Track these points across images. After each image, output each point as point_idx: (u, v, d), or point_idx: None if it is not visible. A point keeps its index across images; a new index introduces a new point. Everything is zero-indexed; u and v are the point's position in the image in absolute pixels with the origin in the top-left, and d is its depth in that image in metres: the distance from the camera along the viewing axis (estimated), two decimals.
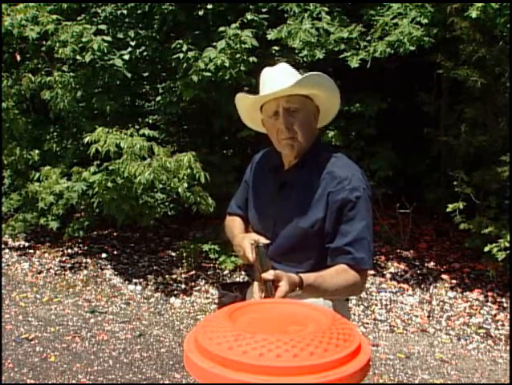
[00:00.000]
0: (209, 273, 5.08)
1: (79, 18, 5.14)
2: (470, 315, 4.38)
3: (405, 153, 5.41)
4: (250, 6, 4.96)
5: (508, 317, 4.30)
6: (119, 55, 5.00)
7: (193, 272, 5.12)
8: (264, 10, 5.02)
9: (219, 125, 5.16)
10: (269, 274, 1.52)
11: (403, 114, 5.55)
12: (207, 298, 4.78)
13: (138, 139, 4.47)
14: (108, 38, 4.81)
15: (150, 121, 5.55)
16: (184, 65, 4.66)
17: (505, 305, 4.43)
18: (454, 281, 4.76)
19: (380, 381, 3.61)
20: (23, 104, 5.73)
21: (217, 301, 4.65)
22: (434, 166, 5.52)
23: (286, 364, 1.02)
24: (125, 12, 5.33)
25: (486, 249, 4.22)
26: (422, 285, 4.76)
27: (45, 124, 5.73)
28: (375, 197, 5.09)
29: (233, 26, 4.57)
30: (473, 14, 3.88)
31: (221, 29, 4.62)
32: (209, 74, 4.53)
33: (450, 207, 4.45)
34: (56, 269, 5.33)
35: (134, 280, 5.07)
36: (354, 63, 4.34)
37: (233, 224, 2.03)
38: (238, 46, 4.48)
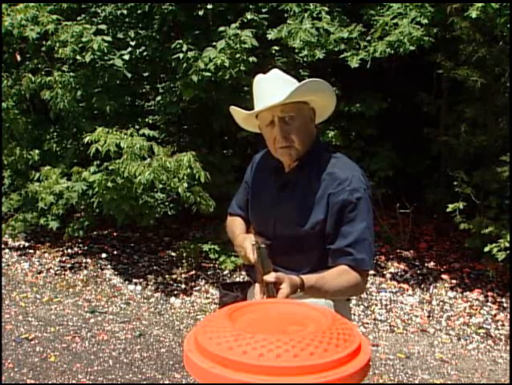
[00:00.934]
0: (209, 273, 5.08)
1: (79, 18, 5.14)
2: (470, 315, 4.38)
3: (405, 153, 5.41)
4: (250, 6, 4.96)
5: (508, 317, 4.30)
6: (119, 55, 5.00)
7: (193, 272, 5.12)
8: (264, 9, 5.02)
9: (219, 125, 5.16)
10: (270, 276, 1.52)
11: (403, 114, 5.55)
12: (207, 298, 4.78)
13: (138, 139, 4.47)
14: (108, 38, 4.81)
15: (150, 121, 5.54)
16: (184, 65, 4.66)
17: (505, 305, 4.43)
18: (454, 281, 4.76)
19: (380, 381, 3.61)
20: (23, 104, 5.73)
21: (217, 300, 4.66)
22: (434, 166, 5.52)
23: (286, 364, 1.02)
24: (125, 12, 5.32)
25: (486, 249, 4.22)
26: (422, 285, 4.76)
27: (45, 124, 5.73)
28: (375, 197, 5.09)
29: (233, 25, 4.57)
30: (473, 14, 3.88)
31: (221, 29, 4.62)
32: (208, 74, 4.53)
33: (450, 207, 4.45)
34: (56, 269, 5.33)
35: (134, 280, 5.07)
36: (354, 63, 4.34)
37: (234, 225, 2.03)
38: (238, 46, 4.48)
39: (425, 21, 4.19)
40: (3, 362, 3.73)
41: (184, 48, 4.68)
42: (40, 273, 5.29)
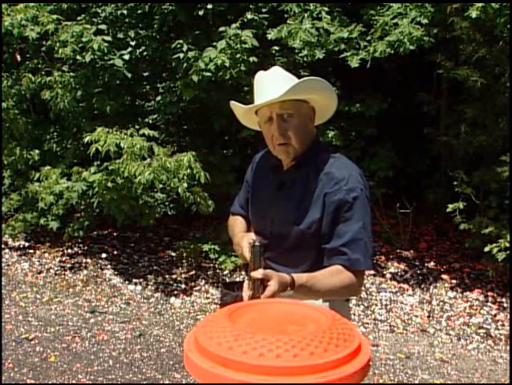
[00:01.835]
0: (209, 273, 5.08)
1: (79, 18, 5.14)
2: (470, 315, 4.38)
3: (405, 153, 5.41)
4: (250, 6, 4.96)
5: (508, 317, 4.30)
6: (119, 55, 5.00)
7: (193, 272, 5.12)
8: (264, 9, 5.02)
9: (219, 125, 5.16)
10: (258, 273, 1.52)
11: (403, 114, 5.55)
12: (207, 298, 4.78)
13: (138, 139, 4.47)
14: (108, 38, 4.81)
15: (150, 121, 5.54)
16: (185, 65, 4.66)
17: (505, 305, 4.43)
18: (454, 281, 4.76)
19: (380, 381, 3.61)
20: (23, 104, 5.73)
21: (218, 300, 4.66)
22: (434, 166, 5.52)
23: (286, 364, 1.02)
24: (125, 12, 5.32)
25: (486, 249, 4.22)
26: (422, 285, 4.76)
27: (45, 124, 5.73)
28: (375, 197, 5.09)
29: (234, 25, 4.57)
30: (473, 14, 3.88)
31: (222, 29, 4.62)
32: (209, 74, 4.53)
33: (450, 207, 4.45)
34: (56, 269, 5.33)
35: (134, 280, 5.07)
36: (354, 63, 4.34)
37: (235, 224, 2.04)
38: (238, 46, 4.48)
39: (425, 21, 4.19)
40: (3, 362, 3.73)
41: (185, 48, 4.68)
42: (40, 273, 5.29)
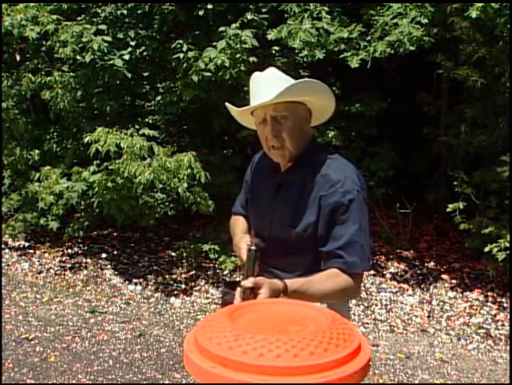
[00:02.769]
0: (209, 273, 5.09)
1: (79, 18, 5.14)
2: (470, 315, 4.38)
3: (405, 153, 5.41)
4: (250, 6, 4.96)
5: (508, 317, 4.30)
6: (119, 55, 5.00)
7: (193, 272, 5.12)
8: (264, 10, 5.02)
9: (219, 125, 5.16)
10: (248, 282, 1.50)
11: (403, 114, 5.54)
12: (207, 298, 4.78)
13: (138, 139, 4.47)
14: (108, 38, 4.81)
15: (150, 121, 5.54)
16: (185, 65, 4.66)
17: (505, 305, 4.43)
18: (454, 281, 4.76)
19: (380, 381, 3.61)
20: (23, 104, 5.73)
21: (218, 300, 4.66)
22: (434, 166, 5.52)
23: (286, 364, 1.02)
24: (125, 12, 5.33)
25: (486, 249, 4.22)
26: (422, 285, 4.76)
27: (45, 124, 5.73)
28: (375, 197, 5.09)
29: (234, 26, 4.57)
30: (473, 14, 3.88)
31: (221, 29, 4.62)
32: (209, 74, 4.53)
33: (450, 207, 4.45)
34: (56, 269, 5.33)
35: (134, 280, 5.07)
36: (354, 63, 4.34)
37: (236, 223, 2.04)
38: (238, 46, 4.48)
39: (425, 21, 4.19)
40: (3, 362, 3.73)
41: (185, 48, 4.68)
42: (40, 273, 5.29)
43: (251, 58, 4.55)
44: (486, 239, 4.30)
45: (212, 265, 5.15)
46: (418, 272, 4.92)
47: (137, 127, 5.13)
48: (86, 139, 4.50)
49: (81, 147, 5.18)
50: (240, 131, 4.91)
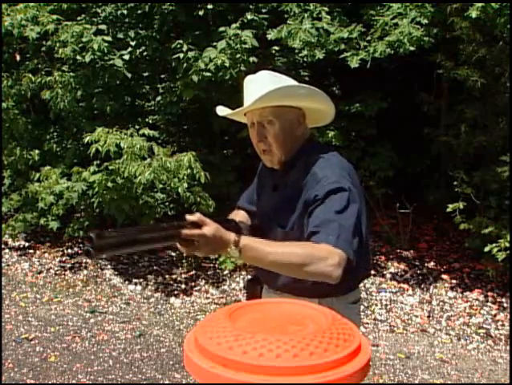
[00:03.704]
0: (209, 273, 5.08)
1: (79, 18, 5.14)
2: (470, 315, 4.38)
3: (405, 153, 5.40)
4: (250, 6, 4.96)
5: (508, 317, 4.30)
6: (119, 55, 5.00)
7: (193, 272, 5.12)
8: (264, 10, 5.02)
9: (219, 125, 5.16)
10: (193, 216, 1.46)
11: (403, 114, 5.54)
12: (207, 298, 4.78)
13: (138, 139, 4.47)
14: (108, 38, 4.82)
15: (150, 121, 5.54)
16: (185, 65, 4.66)
17: (505, 305, 4.43)
18: (454, 281, 4.76)
19: (380, 381, 3.61)
20: (23, 104, 5.73)
21: (218, 301, 4.67)
22: (434, 166, 5.52)
23: (286, 364, 1.02)
24: (125, 12, 5.33)
25: (486, 249, 4.21)
26: (422, 285, 4.75)
27: (45, 124, 5.73)
28: (375, 197, 5.09)
29: (234, 26, 4.57)
30: (473, 14, 3.88)
31: (221, 29, 4.62)
32: (209, 74, 4.53)
33: (450, 207, 4.44)
34: (56, 269, 5.33)
35: (134, 280, 5.07)
36: (354, 63, 4.33)
37: (234, 215, 2.05)
38: (238, 46, 4.48)
39: (425, 21, 4.19)
40: (3, 362, 3.73)
41: (185, 48, 4.68)
42: (40, 273, 5.29)
43: (251, 59, 4.55)
44: (486, 239, 4.30)
45: (212, 265, 5.15)
46: (418, 272, 4.92)
47: (137, 127, 5.13)
48: (86, 139, 4.51)
49: (81, 147, 5.18)
50: (240, 131, 4.91)
